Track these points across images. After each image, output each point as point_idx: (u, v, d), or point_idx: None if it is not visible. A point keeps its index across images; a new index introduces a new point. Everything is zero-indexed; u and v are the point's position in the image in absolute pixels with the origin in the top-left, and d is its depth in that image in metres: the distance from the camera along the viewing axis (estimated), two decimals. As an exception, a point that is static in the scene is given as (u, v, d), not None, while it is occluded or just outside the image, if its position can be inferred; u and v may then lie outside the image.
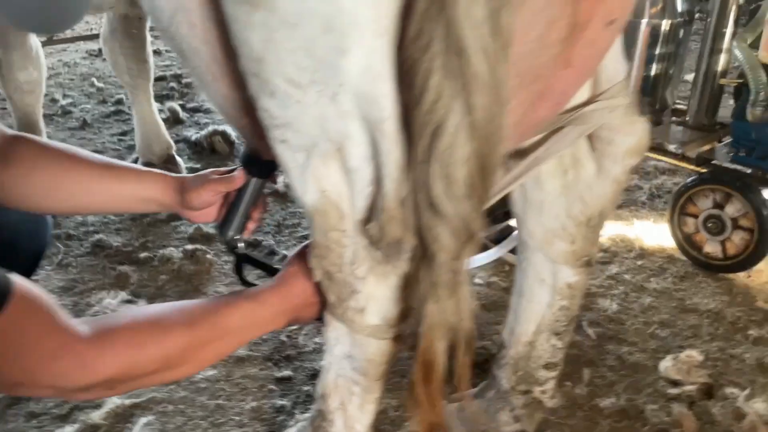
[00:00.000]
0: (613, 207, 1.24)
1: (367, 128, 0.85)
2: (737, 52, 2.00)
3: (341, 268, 1.00)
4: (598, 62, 1.00)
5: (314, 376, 1.65)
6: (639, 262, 2.26)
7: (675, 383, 1.71)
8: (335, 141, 0.89)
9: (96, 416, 1.53)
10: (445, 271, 0.88)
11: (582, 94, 1.10)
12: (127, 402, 1.58)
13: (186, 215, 1.23)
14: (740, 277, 2.17)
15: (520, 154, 1.16)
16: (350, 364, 1.16)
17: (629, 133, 1.13)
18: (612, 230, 2.45)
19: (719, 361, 1.79)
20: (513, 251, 2.17)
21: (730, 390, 1.68)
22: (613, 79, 1.10)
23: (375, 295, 1.03)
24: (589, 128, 1.10)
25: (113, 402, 1.56)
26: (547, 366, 1.37)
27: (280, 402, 1.61)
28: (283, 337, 1.83)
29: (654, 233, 2.42)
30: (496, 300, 2.04)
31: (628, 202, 2.67)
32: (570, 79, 0.96)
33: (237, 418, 1.56)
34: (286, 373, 1.71)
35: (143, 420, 1.53)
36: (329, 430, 1.24)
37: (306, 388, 1.66)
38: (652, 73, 2.44)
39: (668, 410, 1.62)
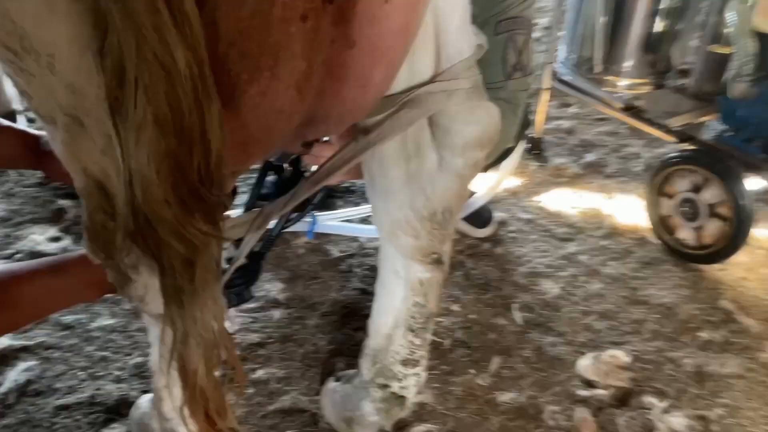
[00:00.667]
0: (460, 204, 1.09)
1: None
2: (731, 14, 1.71)
3: (112, 254, 0.92)
4: (396, 42, 0.83)
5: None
6: (603, 242, 2.06)
7: (589, 384, 1.57)
8: (72, 116, 0.79)
9: (-23, 357, 1.54)
10: (180, 278, 0.78)
11: (425, 73, 0.94)
12: (16, 344, 1.58)
13: (50, 175, 1.17)
14: (713, 269, 1.95)
15: (359, 134, 1.02)
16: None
17: (470, 122, 0.96)
18: (586, 202, 2.25)
19: (650, 364, 1.63)
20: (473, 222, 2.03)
21: (649, 399, 1.52)
22: (453, 57, 0.92)
23: (152, 285, 0.94)
24: (422, 113, 0.94)
25: (1, 342, 1.57)
26: (405, 362, 1.26)
27: (167, 360, 1.58)
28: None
29: (633, 211, 2.20)
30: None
31: (619, 172, 2.44)
32: (364, 60, 0.80)
33: (117, 372, 1.54)
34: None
35: (24, 365, 1.53)
36: (160, 407, 1.20)
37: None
38: (656, 29, 2.17)
39: (570, 414, 1.49)
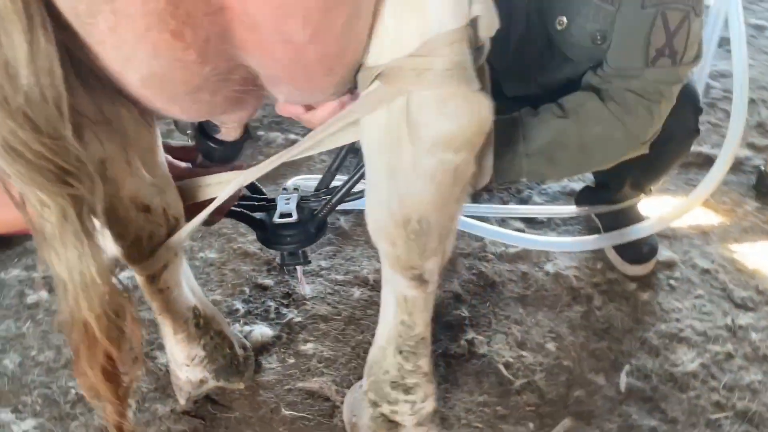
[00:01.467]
0: (443, 216, 0.85)
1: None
2: None
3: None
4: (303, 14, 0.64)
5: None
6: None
7: None
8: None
9: None
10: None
11: (407, 42, 0.74)
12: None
13: None
14: None
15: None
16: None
17: (442, 115, 0.73)
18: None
19: None
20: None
21: None
22: (432, 28, 0.70)
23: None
24: (392, 92, 0.74)
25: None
26: (395, 385, 1.08)
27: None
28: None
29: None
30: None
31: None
32: (264, 9, 0.65)
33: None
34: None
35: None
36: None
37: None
38: None
39: None
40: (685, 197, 1.68)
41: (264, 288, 1.65)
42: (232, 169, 1.00)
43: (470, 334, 1.51)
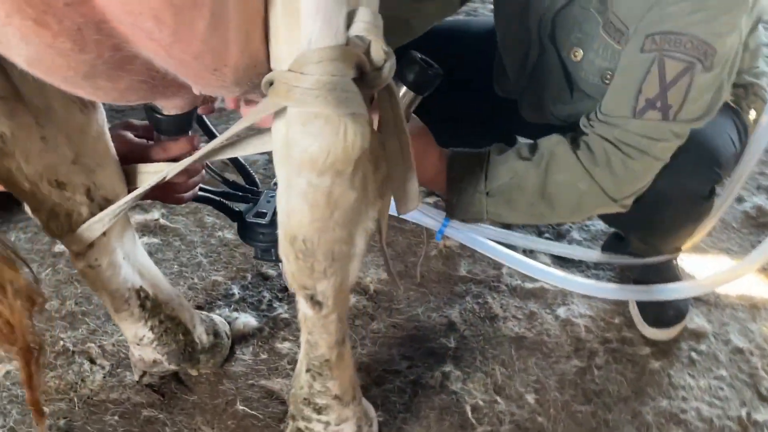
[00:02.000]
0: (327, 240, 0.80)
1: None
2: None
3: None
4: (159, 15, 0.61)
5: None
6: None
7: None
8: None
9: None
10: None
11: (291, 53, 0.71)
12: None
13: None
14: None
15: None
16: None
17: (306, 134, 0.69)
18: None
19: None
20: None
21: None
22: (302, 43, 0.67)
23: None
24: (271, 104, 0.71)
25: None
26: (307, 402, 1.06)
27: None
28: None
29: None
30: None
31: None
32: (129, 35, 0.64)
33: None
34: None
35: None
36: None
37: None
38: None
39: None
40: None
41: (265, 278, 1.66)
42: (183, 144, 1.03)
43: (448, 367, 1.44)
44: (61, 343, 1.47)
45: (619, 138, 1.05)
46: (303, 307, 0.92)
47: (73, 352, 1.45)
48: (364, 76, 0.73)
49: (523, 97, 1.37)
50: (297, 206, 0.77)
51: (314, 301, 0.89)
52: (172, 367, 1.29)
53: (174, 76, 0.76)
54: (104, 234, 1.02)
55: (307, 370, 1.03)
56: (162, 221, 1.83)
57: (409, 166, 0.88)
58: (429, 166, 1.15)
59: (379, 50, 0.71)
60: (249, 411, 1.34)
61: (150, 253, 1.71)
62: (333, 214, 0.77)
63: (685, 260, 1.73)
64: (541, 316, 1.58)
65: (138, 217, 1.82)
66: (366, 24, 0.68)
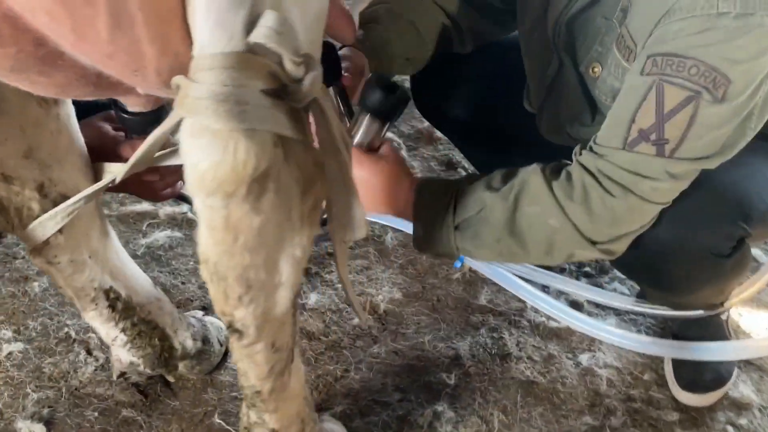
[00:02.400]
0: (230, 264, 0.71)
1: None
2: None
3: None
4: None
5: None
6: None
7: None
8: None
9: None
10: None
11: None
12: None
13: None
14: None
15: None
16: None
17: (194, 148, 0.60)
18: None
19: None
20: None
21: None
22: (195, 47, 0.60)
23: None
24: (175, 113, 0.64)
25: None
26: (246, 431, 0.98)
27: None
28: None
29: None
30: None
31: None
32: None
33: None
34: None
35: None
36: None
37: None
38: None
39: None
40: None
41: (276, 285, 1.61)
42: None
43: (442, 406, 1.32)
44: (65, 330, 1.48)
45: (602, 170, 0.90)
46: (228, 332, 0.85)
47: (74, 340, 1.46)
48: (285, 88, 0.65)
49: (542, 113, 1.22)
50: (200, 227, 0.70)
51: (233, 329, 0.81)
52: (147, 371, 1.26)
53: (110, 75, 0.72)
54: (60, 231, 0.99)
55: (244, 398, 0.96)
56: (190, 215, 1.82)
57: (350, 191, 0.78)
58: (401, 196, 1.04)
59: (288, 61, 0.62)
60: (224, 425, 1.29)
61: (170, 247, 1.73)
62: (237, 238, 0.69)
63: (744, 316, 1.51)
64: (559, 361, 1.42)
65: (168, 209, 1.83)
66: (267, 30, 0.60)
